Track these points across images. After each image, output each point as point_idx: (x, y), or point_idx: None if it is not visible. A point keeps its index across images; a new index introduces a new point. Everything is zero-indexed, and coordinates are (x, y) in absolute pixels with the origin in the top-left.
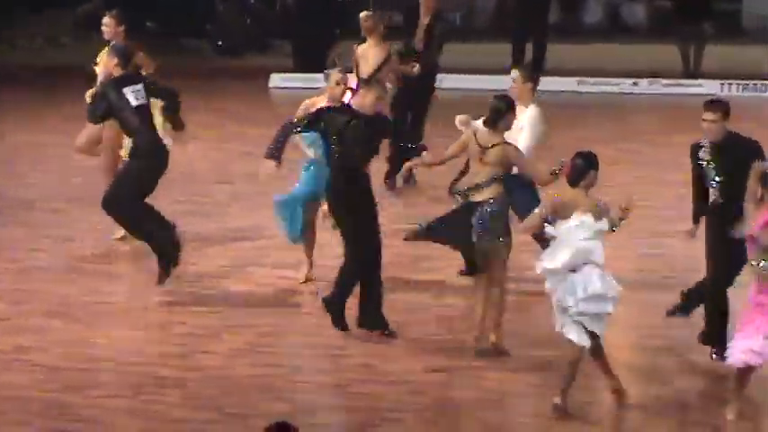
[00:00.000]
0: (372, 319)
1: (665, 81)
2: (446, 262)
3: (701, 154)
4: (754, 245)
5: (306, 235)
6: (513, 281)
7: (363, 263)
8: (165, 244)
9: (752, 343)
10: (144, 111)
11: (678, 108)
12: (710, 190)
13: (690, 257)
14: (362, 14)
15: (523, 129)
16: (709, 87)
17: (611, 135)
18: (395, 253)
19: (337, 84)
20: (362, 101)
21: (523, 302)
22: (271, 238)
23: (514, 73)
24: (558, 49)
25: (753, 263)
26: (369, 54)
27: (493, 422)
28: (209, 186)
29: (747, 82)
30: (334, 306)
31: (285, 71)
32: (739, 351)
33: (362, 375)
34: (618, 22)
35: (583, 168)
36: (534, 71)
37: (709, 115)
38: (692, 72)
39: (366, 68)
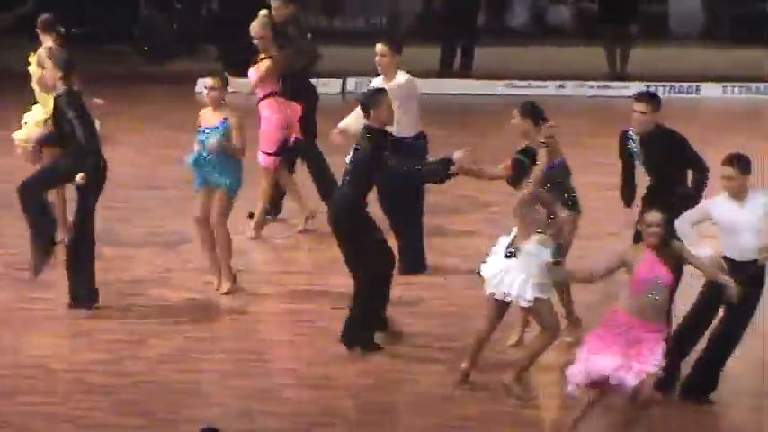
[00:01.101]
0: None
1: (591, 83)
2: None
3: (630, 143)
4: (642, 286)
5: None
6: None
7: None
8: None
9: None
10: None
11: (605, 110)
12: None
13: None
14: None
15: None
16: (636, 89)
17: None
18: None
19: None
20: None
21: (461, 307)
22: (198, 244)
23: (380, 46)
24: (485, 52)
25: (641, 296)
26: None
27: (423, 426)
28: (135, 192)
29: (674, 84)
30: (360, 336)
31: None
32: (575, 372)
33: (291, 380)
34: (544, 25)
35: (524, 165)
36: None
37: (640, 106)
38: (618, 74)
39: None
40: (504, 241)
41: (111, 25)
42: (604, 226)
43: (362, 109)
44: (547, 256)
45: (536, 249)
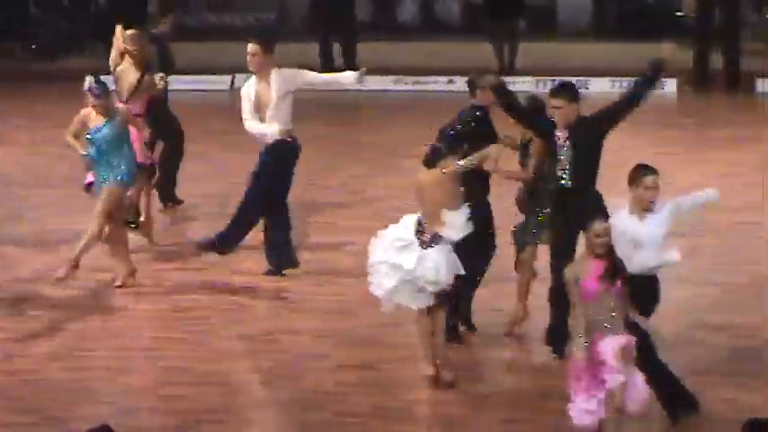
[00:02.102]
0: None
1: None
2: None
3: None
4: (590, 299)
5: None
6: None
7: None
8: None
9: (587, 405)
10: None
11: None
12: (560, 173)
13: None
14: (128, 33)
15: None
16: (524, 84)
17: (426, 134)
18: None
19: None
20: None
21: (348, 303)
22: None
23: (251, 45)
24: (373, 47)
25: (600, 317)
26: (129, 74)
27: (311, 421)
28: (24, 190)
29: (563, 78)
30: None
31: (101, 73)
32: (580, 413)
33: (180, 377)
34: (432, 20)
35: (440, 152)
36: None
37: (555, 101)
38: (506, 69)
39: (124, 88)
40: (396, 233)
41: (0, 23)
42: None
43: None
44: (456, 233)
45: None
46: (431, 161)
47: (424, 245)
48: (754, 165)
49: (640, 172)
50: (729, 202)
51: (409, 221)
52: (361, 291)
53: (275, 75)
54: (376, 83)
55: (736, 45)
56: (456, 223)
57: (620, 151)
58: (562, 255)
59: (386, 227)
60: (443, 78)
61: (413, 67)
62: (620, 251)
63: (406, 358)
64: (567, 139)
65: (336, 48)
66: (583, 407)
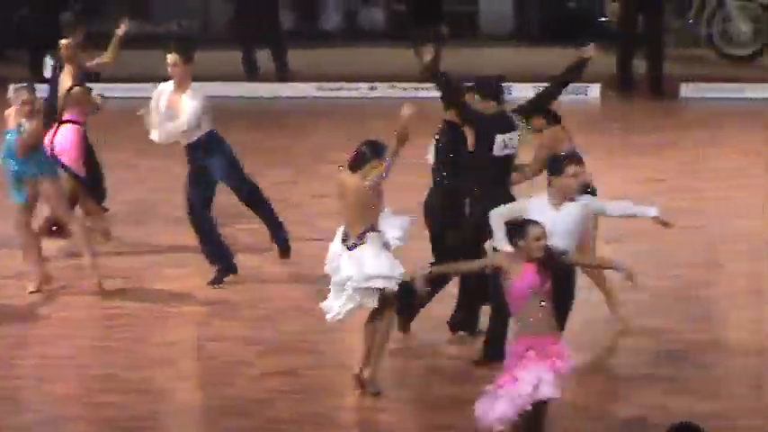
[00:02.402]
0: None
1: (403, 85)
2: (190, 270)
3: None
4: (521, 301)
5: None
6: None
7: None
8: None
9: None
10: None
11: (417, 111)
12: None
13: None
14: (62, 42)
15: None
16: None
17: (350, 140)
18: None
19: None
20: None
21: (273, 310)
22: (11, 248)
23: (170, 56)
24: (296, 54)
25: (531, 318)
26: (64, 82)
27: (238, 428)
28: None
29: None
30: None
31: (23, 81)
32: (487, 409)
33: (107, 385)
34: (356, 27)
35: (365, 156)
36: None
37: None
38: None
39: (60, 96)
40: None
41: None
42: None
43: None
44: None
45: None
46: (356, 165)
47: (350, 248)
48: (678, 169)
49: (564, 160)
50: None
51: (338, 236)
52: (287, 297)
53: (192, 94)
54: (299, 90)
55: (660, 50)
56: (397, 225)
57: None
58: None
59: (311, 232)
60: (366, 85)
61: (336, 74)
62: None
63: (331, 365)
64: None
65: (262, 55)
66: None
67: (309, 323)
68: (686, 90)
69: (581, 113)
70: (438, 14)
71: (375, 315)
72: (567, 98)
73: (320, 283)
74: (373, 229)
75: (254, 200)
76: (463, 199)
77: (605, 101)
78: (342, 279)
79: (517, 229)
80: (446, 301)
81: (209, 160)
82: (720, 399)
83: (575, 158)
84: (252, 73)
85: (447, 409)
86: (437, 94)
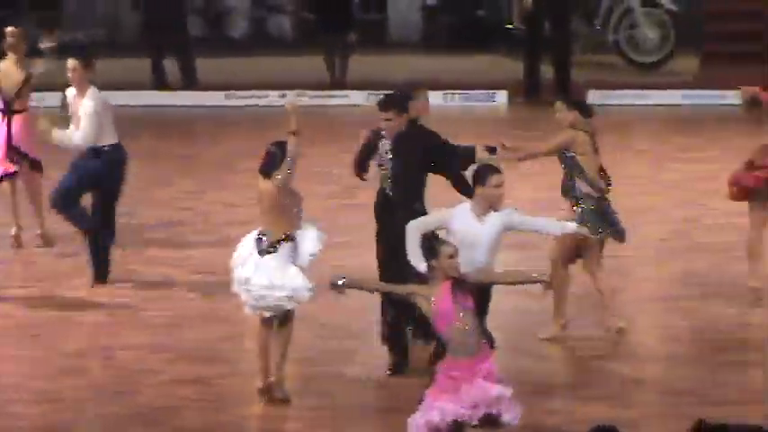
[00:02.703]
0: None
1: (311, 93)
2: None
3: (381, 143)
4: (449, 321)
5: None
6: None
7: None
8: None
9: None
10: None
11: (325, 119)
12: (386, 188)
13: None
14: (8, 29)
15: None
16: (356, 98)
17: (258, 148)
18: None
19: None
20: None
21: (177, 317)
22: None
23: (70, 61)
24: (205, 63)
25: (460, 339)
26: (11, 71)
27: None
28: None
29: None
30: None
31: None
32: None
33: (13, 395)
34: (264, 35)
35: (276, 157)
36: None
37: (382, 115)
38: (338, 82)
39: (8, 86)
40: (241, 249)
41: None
42: (331, 236)
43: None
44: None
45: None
46: (267, 167)
47: (262, 253)
48: None
49: (487, 171)
50: (561, 213)
51: (251, 236)
52: (194, 305)
53: (91, 93)
54: (208, 98)
55: (567, 56)
56: (312, 237)
57: None
58: (387, 268)
59: (219, 241)
60: (275, 93)
61: (245, 83)
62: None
63: (239, 373)
64: (391, 150)
65: (170, 63)
66: (425, 419)
67: (218, 331)
68: (593, 96)
69: (488, 119)
70: (347, 22)
71: (270, 324)
72: (475, 104)
73: (228, 291)
74: (290, 238)
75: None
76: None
77: (512, 107)
78: (241, 278)
79: (429, 248)
80: (349, 308)
81: (101, 169)
82: (630, 406)
83: (496, 168)
84: (160, 81)
85: (354, 417)
86: (346, 101)
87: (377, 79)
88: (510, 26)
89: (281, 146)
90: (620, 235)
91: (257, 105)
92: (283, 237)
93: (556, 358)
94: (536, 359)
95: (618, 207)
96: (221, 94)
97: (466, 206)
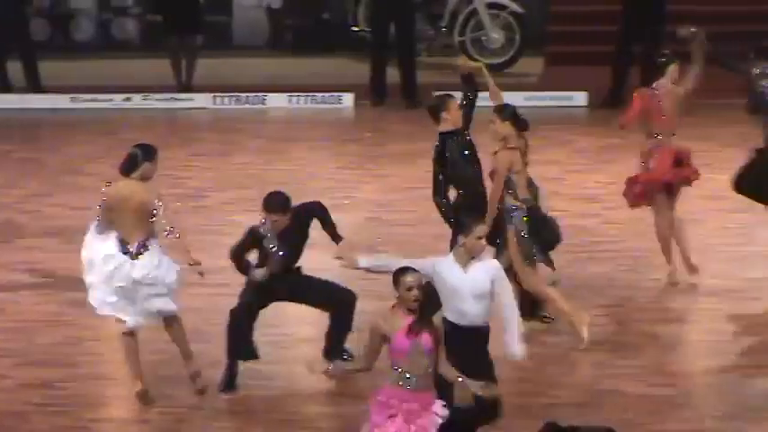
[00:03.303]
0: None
1: (157, 96)
2: None
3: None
4: (404, 355)
5: None
6: None
7: None
8: None
9: None
10: None
11: (171, 122)
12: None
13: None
14: None
15: None
16: (201, 101)
17: (104, 151)
18: None
19: None
20: None
21: (28, 322)
22: None
23: None
24: (50, 65)
25: (395, 368)
26: None
27: None
28: None
29: (240, 94)
30: None
31: None
32: None
33: None
34: (109, 38)
35: (137, 158)
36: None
37: (273, 216)
38: (184, 86)
39: None
40: (104, 252)
41: None
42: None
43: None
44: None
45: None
46: (129, 168)
47: (133, 256)
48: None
49: (471, 221)
50: (409, 216)
51: (111, 242)
52: (40, 310)
53: None
54: (52, 101)
55: (413, 59)
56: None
57: (302, 167)
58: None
59: (64, 244)
60: (120, 96)
61: (89, 86)
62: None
63: (88, 377)
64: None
65: (13, 66)
66: None
67: (64, 335)
68: None
69: (334, 122)
70: (194, 25)
71: (133, 334)
72: (321, 106)
73: (73, 295)
74: (154, 236)
75: None
76: None
77: (359, 110)
78: (129, 286)
79: (394, 277)
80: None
81: None
82: None
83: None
84: (3, 84)
85: (226, 413)
86: (192, 104)
87: (222, 82)
88: (355, 28)
89: (144, 147)
90: (556, 240)
91: (103, 108)
92: (149, 235)
93: None
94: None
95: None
96: (66, 96)
97: (449, 257)
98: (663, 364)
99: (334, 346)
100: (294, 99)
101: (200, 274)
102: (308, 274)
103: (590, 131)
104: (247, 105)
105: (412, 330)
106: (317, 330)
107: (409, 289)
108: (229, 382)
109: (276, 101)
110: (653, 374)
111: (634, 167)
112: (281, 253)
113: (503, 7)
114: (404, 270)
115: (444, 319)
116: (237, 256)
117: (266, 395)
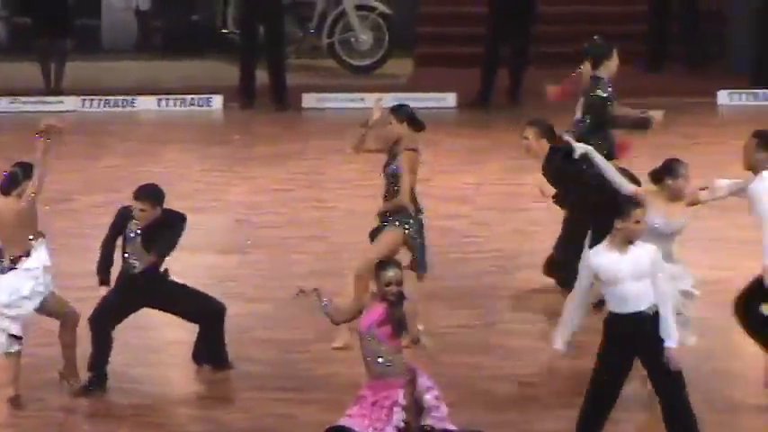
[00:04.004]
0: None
1: (24, 99)
2: None
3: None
4: (372, 340)
5: None
6: None
7: None
8: None
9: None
10: None
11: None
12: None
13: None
14: None
15: None
16: (71, 104)
17: None
18: None
19: None
20: None
21: None
22: None
23: None
24: None
25: (368, 358)
26: None
27: None
28: None
29: (109, 97)
30: None
31: None
32: None
33: None
34: None
35: (18, 177)
36: None
37: (142, 205)
38: (53, 89)
39: None
40: None
41: None
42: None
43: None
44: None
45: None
46: (8, 187)
47: (3, 271)
48: (302, 180)
49: (630, 206)
50: (278, 218)
51: None
52: None
53: None
54: None
55: (281, 61)
56: (40, 256)
57: (172, 169)
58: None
59: None
60: None
61: None
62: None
63: None
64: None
65: None
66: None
67: None
68: (308, 100)
69: (204, 125)
70: (64, 28)
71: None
72: (190, 109)
73: None
74: (28, 254)
75: None
76: None
77: (228, 112)
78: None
79: (374, 271)
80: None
81: None
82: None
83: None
84: None
85: (96, 416)
86: (62, 108)
87: (91, 85)
88: (224, 30)
89: (23, 166)
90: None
91: None
92: (23, 253)
93: (274, 362)
94: (260, 365)
95: (335, 210)
96: None
97: (602, 246)
98: (532, 364)
99: (208, 355)
100: (163, 102)
101: None
102: (177, 281)
103: (459, 132)
104: (117, 108)
105: (386, 319)
106: (187, 333)
107: (388, 284)
108: (98, 384)
109: (145, 103)
110: (523, 374)
111: (502, 168)
112: (138, 238)
113: (372, 9)
114: (385, 264)
115: (610, 320)
116: (105, 242)
117: (136, 399)
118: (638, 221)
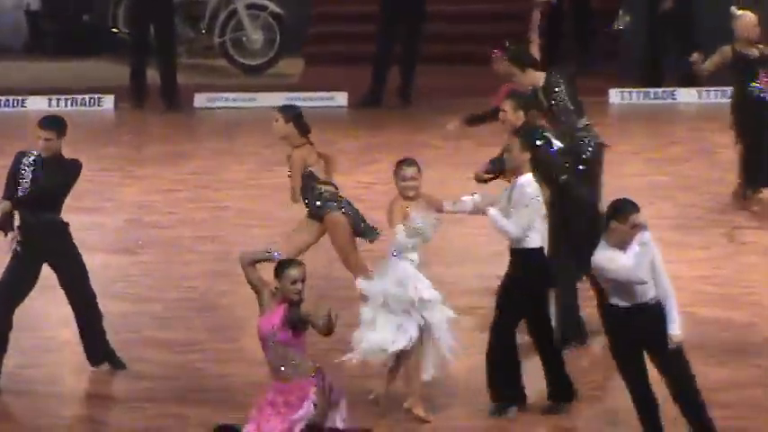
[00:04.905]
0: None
1: None
2: None
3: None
4: (261, 341)
5: None
6: None
7: None
8: None
9: None
10: None
11: None
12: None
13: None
14: None
15: None
16: None
17: None
18: None
19: None
20: None
21: None
22: None
23: None
24: None
25: (274, 363)
26: None
27: None
28: None
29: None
30: None
31: None
32: None
33: None
34: None
35: None
36: None
37: (46, 134)
38: None
39: None
40: None
41: None
42: None
43: None
44: None
45: None
46: None
47: None
48: (194, 180)
49: (628, 208)
50: (169, 218)
51: None
52: None
53: None
54: None
55: (172, 61)
56: None
57: None
58: None
59: None
60: None
61: None
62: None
63: None
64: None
65: None
66: None
67: None
68: (200, 100)
69: (95, 125)
70: None
71: None
72: (81, 109)
73: None
74: None
75: None
76: None
77: (119, 112)
78: None
79: (277, 269)
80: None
81: None
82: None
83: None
84: None
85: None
86: None
87: None
88: (115, 30)
89: None
90: None
91: None
92: None
93: (166, 364)
94: (151, 365)
95: (227, 210)
96: None
97: (602, 245)
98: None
99: (94, 347)
100: (54, 101)
101: None
102: (76, 247)
103: (351, 132)
104: (7, 109)
105: (287, 320)
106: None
107: (294, 282)
108: None
109: (36, 103)
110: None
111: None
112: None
113: (263, 8)
114: (288, 263)
115: (611, 313)
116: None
117: (29, 399)
118: (634, 226)
